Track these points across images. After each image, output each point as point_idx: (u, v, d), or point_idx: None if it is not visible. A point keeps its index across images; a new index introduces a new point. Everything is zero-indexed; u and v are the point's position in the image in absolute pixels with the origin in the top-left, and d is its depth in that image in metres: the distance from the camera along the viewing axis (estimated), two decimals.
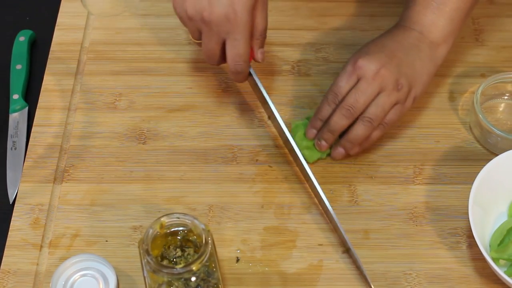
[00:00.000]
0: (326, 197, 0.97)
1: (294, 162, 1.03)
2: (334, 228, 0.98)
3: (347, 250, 0.97)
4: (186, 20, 0.98)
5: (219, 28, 0.96)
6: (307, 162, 1.00)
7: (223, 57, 1.00)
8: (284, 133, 1.00)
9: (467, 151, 1.06)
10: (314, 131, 1.03)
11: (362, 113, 0.99)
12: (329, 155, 1.04)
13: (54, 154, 1.05)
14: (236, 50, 0.97)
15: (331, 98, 1.00)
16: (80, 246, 0.98)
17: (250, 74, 1.02)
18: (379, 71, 0.98)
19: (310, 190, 1.02)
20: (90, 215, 1.00)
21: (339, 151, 1.03)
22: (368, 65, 0.99)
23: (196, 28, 0.98)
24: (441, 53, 1.03)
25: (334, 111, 1.00)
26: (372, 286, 0.94)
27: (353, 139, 1.01)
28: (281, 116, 1.00)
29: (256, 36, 0.99)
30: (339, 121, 1.00)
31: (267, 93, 1.01)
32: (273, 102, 1.01)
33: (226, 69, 1.13)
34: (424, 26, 1.02)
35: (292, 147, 1.00)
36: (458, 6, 1.02)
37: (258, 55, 1.01)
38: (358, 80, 0.99)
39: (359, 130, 1.00)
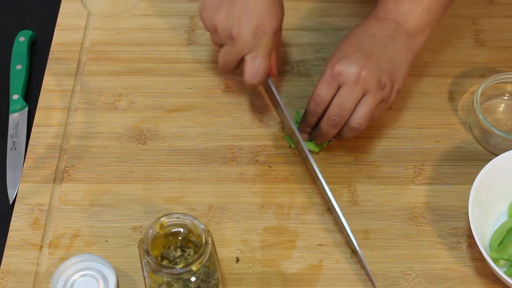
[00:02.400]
0: (334, 197, 0.97)
1: (301, 162, 1.04)
2: (340, 229, 0.98)
3: (353, 252, 0.97)
4: (212, 31, 1.00)
5: (244, 46, 0.98)
6: (314, 152, 1.01)
7: (237, 66, 1.02)
8: (295, 135, 1.01)
9: (467, 151, 1.06)
10: (306, 135, 1.03)
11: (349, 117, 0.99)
12: (329, 141, 1.04)
13: (54, 154, 1.05)
14: (256, 68, 0.99)
15: (313, 107, 0.99)
16: (80, 246, 0.98)
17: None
18: (359, 74, 0.96)
19: (310, 191, 1.02)
20: (90, 215, 1.00)
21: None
22: (347, 70, 0.96)
23: (220, 40, 1.00)
24: (418, 43, 1.01)
25: (321, 119, 1.00)
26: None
27: (343, 138, 1.01)
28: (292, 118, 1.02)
29: (274, 53, 1.01)
30: (328, 131, 0.99)
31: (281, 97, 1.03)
32: (286, 107, 1.02)
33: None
34: (400, 15, 0.99)
35: (302, 147, 1.00)
36: None
37: (275, 70, 1.04)
38: (340, 86, 0.97)
39: (347, 134, 1.00)
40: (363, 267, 0.96)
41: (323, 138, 1.01)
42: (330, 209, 1.00)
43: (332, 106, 0.98)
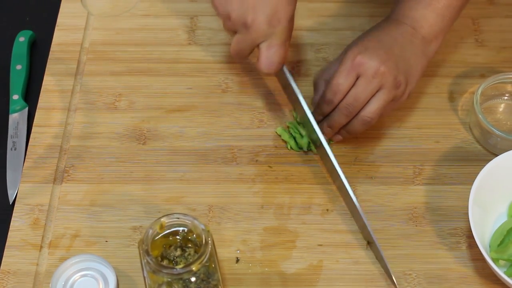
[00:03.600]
0: (352, 191, 0.98)
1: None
2: (357, 221, 0.98)
3: (369, 243, 0.97)
4: (225, 19, 0.99)
5: (258, 34, 0.97)
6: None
7: (250, 54, 1.01)
8: (315, 131, 1.01)
9: (467, 151, 1.06)
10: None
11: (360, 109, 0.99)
12: (331, 141, 1.04)
13: (54, 155, 1.05)
14: (272, 57, 0.98)
15: (330, 96, 0.99)
16: (80, 247, 0.98)
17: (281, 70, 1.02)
18: (379, 68, 0.97)
19: (310, 191, 1.02)
20: (90, 216, 1.00)
21: (338, 137, 1.03)
22: (368, 63, 0.97)
23: (234, 27, 0.99)
24: (432, 49, 1.02)
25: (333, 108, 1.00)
26: (395, 280, 0.94)
27: (351, 132, 1.01)
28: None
29: (288, 41, 1.00)
30: (339, 120, 0.99)
31: (299, 90, 1.02)
32: (305, 101, 1.01)
33: (228, 68, 1.13)
34: (415, 20, 1.01)
35: (321, 142, 1.00)
36: (450, 4, 1.01)
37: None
38: (357, 77, 0.98)
39: (356, 126, 1.00)
40: (379, 259, 0.96)
41: (332, 127, 1.01)
42: (346, 200, 1.00)
43: (347, 96, 0.98)
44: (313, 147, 1.05)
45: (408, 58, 1.00)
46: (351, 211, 1.00)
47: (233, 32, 0.99)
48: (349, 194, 0.97)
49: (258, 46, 0.98)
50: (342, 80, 0.98)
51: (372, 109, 0.98)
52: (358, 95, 0.97)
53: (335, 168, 0.99)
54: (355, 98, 0.98)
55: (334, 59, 1.04)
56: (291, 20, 0.98)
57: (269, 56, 0.98)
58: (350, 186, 0.99)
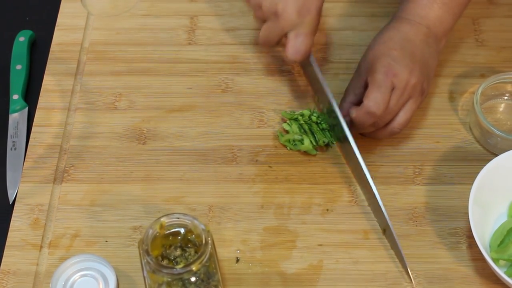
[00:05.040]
0: (370, 175, 0.98)
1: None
2: (373, 208, 0.99)
3: (385, 231, 0.98)
4: (256, 9, 1.01)
5: (288, 23, 0.99)
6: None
7: (278, 42, 1.03)
8: (340, 122, 1.01)
9: (467, 151, 1.06)
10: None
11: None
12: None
13: (54, 154, 1.05)
14: (298, 45, 1.00)
15: (373, 108, 0.97)
16: (80, 246, 0.98)
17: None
18: (410, 80, 0.99)
19: (310, 191, 1.02)
20: (90, 215, 1.00)
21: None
22: (400, 75, 0.98)
23: (264, 16, 1.00)
24: (442, 46, 1.05)
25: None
26: (409, 270, 0.95)
27: (375, 138, 1.04)
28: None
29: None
30: (367, 129, 1.01)
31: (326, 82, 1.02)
32: (331, 93, 1.01)
33: (228, 68, 1.13)
34: (431, 20, 1.02)
35: (346, 136, 1.00)
36: (461, 1, 1.03)
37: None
38: (393, 89, 0.99)
39: (383, 136, 1.03)
40: (393, 246, 0.96)
41: (356, 131, 1.02)
42: (364, 188, 1.01)
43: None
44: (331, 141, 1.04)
45: (427, 61, 1.01)
46: (368, 197, 1.00)
47: (263, 20, 1.01)
48: (367, 180, 0.98)
49: (286, 35, 1.00)
50: (382, 93, 0.98)
51: (401, 121, 1.01)
52: (391, 108, 0.99)
53: (356, 156, 0.99)
54: (388, 111, 0.99)
55: (355, 72, 1.05)
56: (320, 11, 1.00)
57: (296, 44, 1.00)
58: (350, 186, 0.99)
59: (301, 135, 1.03)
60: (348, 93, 1.04)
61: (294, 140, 1.04)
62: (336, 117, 1.01)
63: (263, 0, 0.99)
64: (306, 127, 1.04)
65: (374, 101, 0.98)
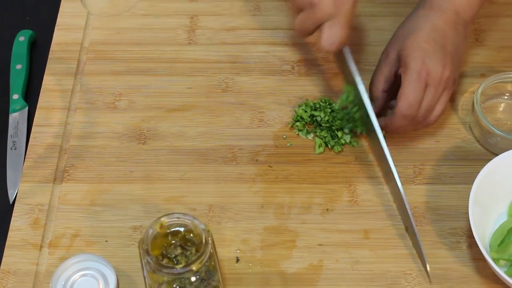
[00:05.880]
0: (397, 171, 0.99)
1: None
2: (398, 205, 1.00)
3: (407, 229, 0.98)
4: None
5: (324, 13, 0.98)
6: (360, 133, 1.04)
7: (313, 32, 1.02)
8: (369, 117, 1.01)
9: (467, 151, 1.06)
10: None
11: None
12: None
13: (54, 154, 1.05)
14: (333, 36, 0.99)
15: (407, 111, 0.99)
16: (80, 246, 0.98)
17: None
18: (443, 74, 0.99)
19: (310, 190, 1.02)
20: (90, 215, 1.00)
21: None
22: (434, 70, 0.98)
23: (299, 6, 1.00)
24: (469, 30, 1.04)
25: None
26: (428, 267, 0.95)
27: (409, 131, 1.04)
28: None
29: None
30: (406, 128, 1.02)
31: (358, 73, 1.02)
32: (364, 85, 1.01)
33: (228, 68, 1.14)
34: (459, 5, 1.02)
35: (374, 132, 1.01)
36: None
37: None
38: (427, 85, 0.99)
39: (420, 128, 1.03)
40: (415, 244, 0.97)
41: (395, 132, 1.03)
42: (389, 182, 1.01)
43: (421, 109, 1.00)
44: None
45: (457, 50, 1.01)
46: (394, 194, 1.00)
47: (299, 10, 1.01)
48: (394, 177, 0.98)
49: (321, 25, 1.00)
50: (417, 94, 0.99)
51: (437, 113, 1.02)
52: (430, 105, 1.00)
53: (384, 152, 1.00)
54: (428, 109, 1.00)
55: (382, 59, 1.04)
56: (355, 3, 1.00)
57: (331, 35, 0.99)
58: (350, 186, 0.99)
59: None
60: (379, 80, 1.04)
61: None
62: (367, 115, 1.01)
63: None
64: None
65: (408, 103, 0.99)
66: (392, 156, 1.02)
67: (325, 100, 1.07)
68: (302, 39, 1.08)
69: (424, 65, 0.98)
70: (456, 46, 1.01)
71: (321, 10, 0.98)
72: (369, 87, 1.05)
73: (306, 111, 1.06)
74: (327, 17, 0.99)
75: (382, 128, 1.01)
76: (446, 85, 1.00)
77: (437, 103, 1.01)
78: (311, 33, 1.02)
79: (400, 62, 1.01)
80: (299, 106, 1.07)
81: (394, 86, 1.03)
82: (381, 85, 1.04)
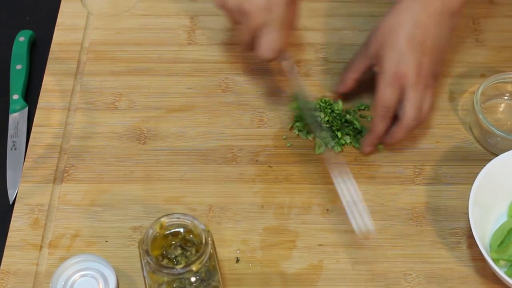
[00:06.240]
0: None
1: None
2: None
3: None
4: (225, 10, 1.00)
5: (256, 21, 0.97)
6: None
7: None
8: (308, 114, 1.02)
9: (467, 151, 1.06)
10: (371, 148, 1.04)
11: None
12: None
13: (54, 154, 1.05)
14: (270, 43, 0.98)
15: (382, 113, 0.99)
16: (80, 247, 0.98)
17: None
18: (420, 73, 0.98)
19: (310, 191, 1.02)
20: (90, 215, 1.00)
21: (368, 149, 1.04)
22: (409, 72, 0.97)
23: (234, 17, 0.99)
24: (457, 21, 1.02)
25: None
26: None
27: (395, 140, 1.03)
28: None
29: (290, 26, 1.00)
30: (404, 135, 1.02)
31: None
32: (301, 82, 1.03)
33: (228, 68, 1.13)
34: None
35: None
36: None
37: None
38: (402, 87, 0.98)
39: (405, 134, 1.02)
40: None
41: (396, 142, 1.03)
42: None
43: (407, 112, 0.99)
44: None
45: (439, 45, 1.00)
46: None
47: (236, 24, 1.00)
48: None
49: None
50: (390, 96, 0.98)
51: (425, 111, 1.00)
52: (419, 105, 0.99)
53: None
54: (418, 110, 0.99)
55: (362, 47, 1.05)
56: (290, 3, 0.97)
57: (266, 42, 0.98)
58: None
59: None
60: (352, 69, 1.04)
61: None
62: (314, 116, 1.02)
63: (228, 1, 0.98)
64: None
65: (381, 100, 0.98)
66: (392, 157, 1.02)
67: (325, 100, 1.07)
68: (246, 51, 1.05)
69: (398, 68, 0.97)
70: (438, 42, 1.00)
71: (253, 18, 0.97)
72: (341, 72, 1.06)
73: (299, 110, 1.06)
74: (261, 25, 0.97)
75: (383, 143, 1.03)
76: (427, 82, 0.99)
77: (424, 98, 1.00)
78: (250, 44, 1.00)
79: (377, 59, 1.00)
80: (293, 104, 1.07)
81: (366, 77, 1.03)
82: (354, 73, 1.04)
